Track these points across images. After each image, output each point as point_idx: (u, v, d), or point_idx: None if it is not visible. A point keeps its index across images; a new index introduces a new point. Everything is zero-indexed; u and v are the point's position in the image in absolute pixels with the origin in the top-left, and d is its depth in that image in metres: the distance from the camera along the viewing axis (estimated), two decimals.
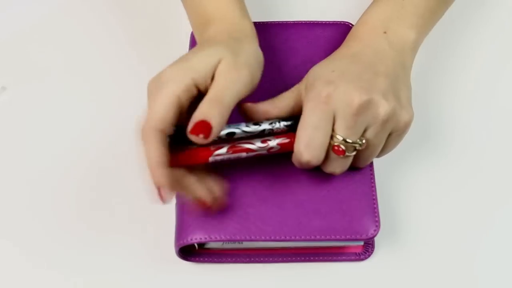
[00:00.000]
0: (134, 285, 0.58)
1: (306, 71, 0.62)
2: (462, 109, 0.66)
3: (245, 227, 0.54)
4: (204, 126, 0.49)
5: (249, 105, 0.55)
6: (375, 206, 0.55)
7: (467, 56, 0.69)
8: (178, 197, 0.57)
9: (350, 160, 0.54)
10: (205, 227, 0.54)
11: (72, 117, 0.66)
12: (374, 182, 0.56)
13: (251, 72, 0.52)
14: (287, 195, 0.56)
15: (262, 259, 0.58)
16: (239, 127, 0.53)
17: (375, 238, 0.57)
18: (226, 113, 0.50)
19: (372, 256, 0.58)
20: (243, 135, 0.54)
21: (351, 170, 0.56)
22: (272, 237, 0.54)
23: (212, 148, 0.52)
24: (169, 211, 0.58)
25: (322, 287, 0.57)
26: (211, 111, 0.49)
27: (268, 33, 0.64)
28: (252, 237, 0.54)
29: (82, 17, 0.74)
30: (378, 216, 0.55)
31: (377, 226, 0.54)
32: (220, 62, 0.51)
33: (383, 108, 0.52)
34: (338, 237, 0.54)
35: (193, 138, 0.49)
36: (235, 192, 0.56)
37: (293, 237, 0.54)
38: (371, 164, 0.57)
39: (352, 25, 0.65)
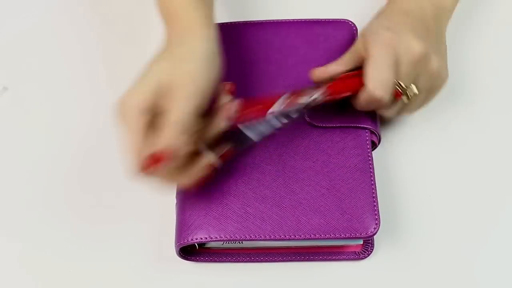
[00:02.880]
0: (135, 285, 0.58)
1: (306, 69, 0.62)
2: (463, 108, 0.66)
3: (245, 227, 0.54)
4: (159, 157, 0.50)
5: (320, 71, 0.57)
6: (375, 204, 0.55)
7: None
8: (178, 197, 0.57)
9: (399, 107, 0.58)
10: (205, 226, 0.55)
11: (73, 117, 0.66)
12: (374, 180, 0.56)
13: (199, 68, 0.52)
14: (286, 194, 0.56)
15: (262, 258, 0.58)
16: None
17: (375, 237, 0.57)
18: (187, 130, 0.51)
19: (371, 255, 0.58)
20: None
21: (351, 168, 0.57)
22: (272, 236, 0.54)
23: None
24: (169, 211, 0.58)
25: (321, 286, 0.57)
26: (172, 141, 0.50)
27: (267, 31, 0.64)
28: (252, 236, 0.54)
29: (82, 17, 0.74)
30: (378, 214, 0.55)
31: (377, 224, 0.54)
32: (165, 79, 0.51)
33: (434, 62, 0.56)
34: (337, 235, 0.54)
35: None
36: (234, 192, 0.56)
37: (292, 236, 0.54)
38: (371, 162, 0.57)
39: (353, 23, 0.65)
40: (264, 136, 0.56)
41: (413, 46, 0.55)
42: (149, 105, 0.51)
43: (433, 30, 0.58)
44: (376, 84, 0.54)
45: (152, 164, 0.49)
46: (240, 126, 0.54)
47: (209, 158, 0.54)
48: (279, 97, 0.55)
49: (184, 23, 0.55)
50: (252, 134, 0.55)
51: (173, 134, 0.50)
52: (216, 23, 0.65)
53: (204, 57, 0.53)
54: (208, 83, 0.52)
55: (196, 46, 0.54)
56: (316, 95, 0.55)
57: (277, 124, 0.56)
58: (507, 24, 0.71)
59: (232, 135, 0.54)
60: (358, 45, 0.58)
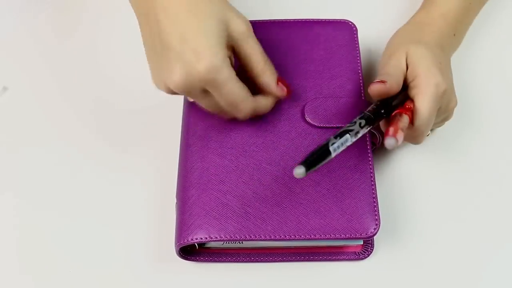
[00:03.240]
0: (135, 285, 0.58)
1: (306, 69, 0.62)
2: (463, 109, 0.66)
3: (245, 227, 0.54)
4: (284, 82, 0.58)
5: (380, 88, 0.57)
6: (375, 204, 0.55)
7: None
8: (178, 197, 0.57)
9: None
10: (205, 226, 0.55)
11: (73, 117, 0.66)
12: (374, 181, 0.57)
13: (236, 10, 0.56)
14: (286, 194, 0.56)
15: (262, 258, 0.58)
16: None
17: (375, 238, 0.57)
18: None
19: (371, 255, 0.58)
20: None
21: (351, 168, 0.57)
22: (272, 236, 0.54)
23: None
24: (169, 210, 0.58)
25: (321, 286, 0.57)
26: (275, 70, 0.57)
27: (267, 31, 0.64)
28: (252, 237, 0.54)
29: (82, 17, 0.74)
30: (378, 215, 0.55)
31: (377, 225, 0.55)
32: (228, 28, 0.54)
33: (453, 103, 0.60)
34: (338, 236, 0.54)
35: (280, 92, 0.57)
36: (235, 192, 0.56)
37: (292, 236, 0.54)
38: (371, 163, 0.57)
39: (352, 23, 0.65)
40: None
41: (452, 101, 0.59)
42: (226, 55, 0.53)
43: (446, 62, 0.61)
44: (425, 124, 0.56)
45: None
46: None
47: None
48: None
49: None
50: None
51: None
52: None
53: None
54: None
55: None
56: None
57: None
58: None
59: None
60: (401, 64, 0.58)
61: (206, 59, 0.51)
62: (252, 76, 0.56)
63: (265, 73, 0.56)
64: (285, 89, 0.57)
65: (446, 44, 0.62)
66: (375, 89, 0.56)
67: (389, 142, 0.52)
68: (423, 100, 0.56)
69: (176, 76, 0.52)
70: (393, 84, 0.56)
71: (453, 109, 0.61)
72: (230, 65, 0.53)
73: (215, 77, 0.52)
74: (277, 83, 0.57)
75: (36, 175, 0.63)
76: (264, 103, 0.58)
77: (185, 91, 0.54)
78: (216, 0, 0.54)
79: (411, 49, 0.59)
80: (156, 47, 0.54)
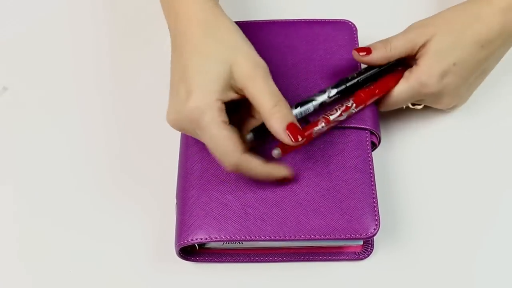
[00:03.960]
0: (134, 285, 0.58)
1: (305, 69, 0.62)
2: (463, 109, 0.66)
3: (245, 227, 0.55)
4: (294, 128, 0.52)
5: (357, 57, 0.59)
6: (375, 204, 0.55)
7: None
8: (178, 197, 0.57)
9: None
10: (205, 227, 0.55)
11: (73, 117, 0.66)
12: (374, 181, 0.57)
13: (248, 50, 0.54)
14: (286, 194, 0.56)
15: (262, 258, 0.58)
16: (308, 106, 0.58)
17: (374, 238, 0.57)
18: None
19: (371, 255, 0.58)
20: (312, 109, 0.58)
21: (351, 169, 0.57)
22: (272, 237, 0.54)
23: (309, 128, 0.56)
24: (169, 211, 0.58)
25: (321, 287, 0.57)
26: (287, 114, 0.52)
27: (267, 32, 0.64)
28: (252, 237, 0.54)
29: (82, 16, 0.74)
30: (378, 215, 0.55)
31: (377, 225, 0.55)
32: (231, 70, 0.52)
33: (452, 104, 0.62)
34: (337, 236, 0.54)
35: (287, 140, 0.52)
36: (235, 192, 0.56)
37: (292, 237, 0.54)
38: (371, 163, 0.57)
39: (352, 23, 0.65)
40: None
41: (429, 86, 0.58)
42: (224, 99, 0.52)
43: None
44: (391, 104, 0.60)
45: (295, 132, 0.52)
46: None
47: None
48: (316, 125, 0.56)
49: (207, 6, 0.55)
50: None
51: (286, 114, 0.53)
52: None
53: (237, 28, 0.55)
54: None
55: (230, 24, 0.55)
56: (344, 115, 0.57)
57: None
58: None
59: None
60: (415, 45, 0.58)
61: (193, 100, 0.51)
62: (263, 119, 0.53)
63: (272, 116, 0.52)
64: (292, 137, 0.52)
65: (494, 39, 0.57)
66: (355, 56, 0.59)
67: (274, 152, 0.54)
68: (401, 88, 0.58)
69: (169, 112, 0.53)
70: (380, 59, 0.59)
71: (455, 108, 0.62)
72: (220, 109, 0.51)
73: (198, 119, 0.51)
74: (286, 129, 0.52)
75: (36, 175, 0.63)
76: (256, 166, 0.53)
77: (179, 128, 0.54)
78: (228, 38, 0.54)
79: (437, 37, 0.57)
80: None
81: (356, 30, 0.65)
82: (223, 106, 0.52)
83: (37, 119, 0.67)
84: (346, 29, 0.65)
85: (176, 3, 0.56)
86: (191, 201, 0.56)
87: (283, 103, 0.53)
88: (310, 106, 0.58)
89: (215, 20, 0.55)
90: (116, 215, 0.61)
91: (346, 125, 0.59)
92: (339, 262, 0.58)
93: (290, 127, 0.52)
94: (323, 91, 0.59)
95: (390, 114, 0.64)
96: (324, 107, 0.58)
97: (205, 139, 0.52)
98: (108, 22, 0.73)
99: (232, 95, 0.53)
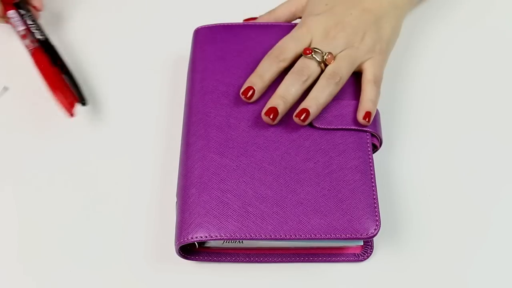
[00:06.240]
0: (134, 284, 0.57)
1: None
2: (463, 110, 0.66)
3: (245, 226, 0.54)
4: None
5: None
6: (375, 205, 0.55)
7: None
8: (179, 196, 0.57)
9: None
10: (205, 225, 0.54)
11: (74, 118, 0.66)
12: (374, 181, 0.57)
13: None
14: (287, 194, 0.56)
15: (261, 258, 0.58)
16: None
17: (374, 239, 0.57)
18: None
19: (371, 257, 0.58)
20: None
21: (352, 170, 0.57)
22: (272, 236, 0.54)
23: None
24: (169, 210, 0.58)
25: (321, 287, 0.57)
26: None
27: (267, 32, 0.65)
28: (252, 236, 0.54)
29: (83, 17, 0.74)
30: (378, 215, 0.55)
31: (377, 226, 0.55)
32: None
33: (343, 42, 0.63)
34: (338, 236, 0.54)
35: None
36: (235, 191, 0.56)
37: (293, 236, 0.54)
38: (372, 164, 0.58)
39: None
40: None
41: (304, 25, 0.64)
42: None
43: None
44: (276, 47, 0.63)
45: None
46: None
47: None
48: None
49: None
50: None
51: None
52: (216, 24, 0.66)
53: None
54: None
55: None
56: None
57: None
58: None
59: None
60: (296, 9, 0.67)
61: None
62: None
63: None
64: None
65: None
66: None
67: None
68: (285, 36, 0.63)
69: None
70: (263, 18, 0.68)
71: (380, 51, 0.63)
72: None
73: None
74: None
75: (36, 175, 0.63)
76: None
77: None
78: None
79: None
80: None
81: None
82: None
83: (37, 119, 0.67)
84: None
85: None
86: (191, 200, 0.56)
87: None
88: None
89: None
90: (116, 214, 0.60)
91: (347, 127, 0.59)
92: (338, 263, 0.58)
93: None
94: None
95: (391, 117, 0.65)
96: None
97: None
98: (112, 21, 0.74)
99: None
